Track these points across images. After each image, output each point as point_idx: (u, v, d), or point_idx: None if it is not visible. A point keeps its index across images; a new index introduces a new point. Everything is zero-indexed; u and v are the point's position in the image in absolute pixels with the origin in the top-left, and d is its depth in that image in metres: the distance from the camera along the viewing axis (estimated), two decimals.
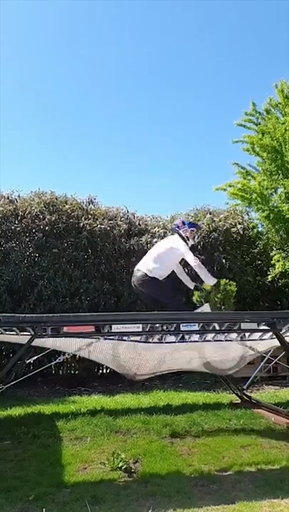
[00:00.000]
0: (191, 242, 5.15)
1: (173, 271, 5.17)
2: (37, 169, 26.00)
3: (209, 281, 5.11)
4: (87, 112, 24.17)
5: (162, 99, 23.79)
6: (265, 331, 4.75)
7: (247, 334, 4.63)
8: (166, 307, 5.00)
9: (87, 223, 8.23)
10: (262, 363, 6.30)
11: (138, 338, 4.35)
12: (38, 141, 24.75)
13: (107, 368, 8.64)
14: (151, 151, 25.14)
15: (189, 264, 5.01)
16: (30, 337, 4.10)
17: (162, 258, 4.96)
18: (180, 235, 5.08)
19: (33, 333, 4.06)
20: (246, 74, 22.57)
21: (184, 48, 21.26)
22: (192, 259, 4.91)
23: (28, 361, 4.84)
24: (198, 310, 5.02)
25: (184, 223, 5.15)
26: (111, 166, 26.33)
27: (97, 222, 8.31)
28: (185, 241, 5.06)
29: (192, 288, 5.38)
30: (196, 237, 5.20)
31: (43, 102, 22.67)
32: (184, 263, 5.29)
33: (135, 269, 5.08)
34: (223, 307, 7.13)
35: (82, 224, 8.23)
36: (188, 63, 22.51)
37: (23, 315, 5.49)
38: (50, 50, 21.31)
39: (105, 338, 4.17)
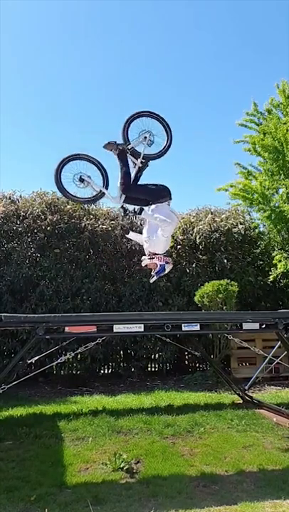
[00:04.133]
0: (145, 259, 4.42)
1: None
2: (38, 169, 26.03)
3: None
4: (88, 112, 24.21)
5: (162, 98, 23.80)
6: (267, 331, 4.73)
7: None
8: None
9: (88, 223, 8.24)
10: (264, 363, 6.29)
11: None
12: (38, 141, 24.79)
13: (108, 368, 8.67)
14: None
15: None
16: (31, 337, 4.11)
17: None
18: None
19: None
20: (247, 74, 22.58)
21: (184, 47, 21.28)
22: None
23: (29, 361, 4.84)
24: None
25: (166, 262, 4.37)
26: (112, 166, 26.30)
27: (99, 223, 8.32)
28: (150, 254, 4.37)
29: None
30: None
31: (44, 101, 22.72)
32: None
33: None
34: (224, 307, 7.15)
35: (83, 224, 8.23)
36: (188, 63, 22.51)
37: (25, 315, 5.51)
38: (50, 51, 21.34)
39: None
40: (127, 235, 4.80)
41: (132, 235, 4.77)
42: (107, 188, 4.32)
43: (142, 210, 4.17)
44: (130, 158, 4.27)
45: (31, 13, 19.88)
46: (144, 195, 4.27)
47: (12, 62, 21.37)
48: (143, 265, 4.48)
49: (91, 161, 4.34)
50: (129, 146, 4.22)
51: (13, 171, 25.46)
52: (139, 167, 4.27)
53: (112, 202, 4.33)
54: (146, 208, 4.19)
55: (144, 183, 4.34)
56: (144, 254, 4.44)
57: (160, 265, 4.30)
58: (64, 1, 19.37)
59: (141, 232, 4.77)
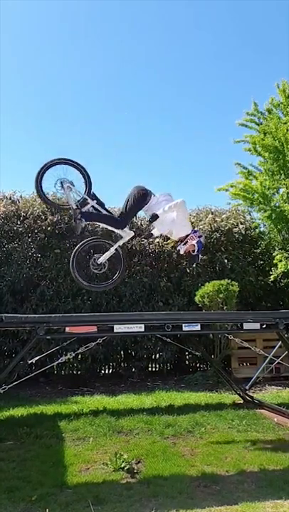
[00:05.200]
0: (181, 247, 4.54)
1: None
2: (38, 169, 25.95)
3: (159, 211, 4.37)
4: (88, 112, 24.21)
5: (162, 98, 23.82)
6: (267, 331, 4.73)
7: None
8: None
9: (89, 224, 8.23)
10: (264, 363, 6.29)
11: None
12: (38, 141, 24.79)
13: (109, 368, 8.67)
14: (152, 151, 25.16)
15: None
16: (32, 338, 4.11)
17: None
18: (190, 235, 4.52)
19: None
20: (247, 74, 22.59)
21: (184, 47, 21.28)
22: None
23: (30, 361, 4.84)
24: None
25: (199, 237, 4.53)
26: (112, 166, 26.33)
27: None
28: (181, 240, 4.51)
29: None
30: (182, 250, 4.69)
31: (44, 101, 22.73)
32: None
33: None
34: (225, 307, 7.14)
35: (84, 224, 8.21)
36: (188, 63, 22.52)
37: (26, 315, 5.51)
38: (50, 51, 21.35)
39: None
40: (152, 234, 4.77)
41: (156, 232, 4.66)
42: (116, 242, 4.54)
43: (156, 216, 4.28)
44: (88, 208, 4.37)
45: (31, 13, 19.90)
46: (134, 212, 4.46)
47: (12, 62, 21.39)
48: (182, 253, 4.60)
49: (98, 243, 4.53)
50: (74, 206, 4.29)
51: (13, 171, 25.47)
52: (97, 204, 4.39)
53: (127, 237, 4.52)
54: (158, 212, 4.29)
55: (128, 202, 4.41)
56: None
57: (196, 243, 4.46)
58: (64, 1, 19.40)
59: (139, 234, 4.83)
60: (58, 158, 4.30)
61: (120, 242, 4.53)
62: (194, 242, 4.46)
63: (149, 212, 4.36)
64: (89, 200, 4.32)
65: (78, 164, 4.34)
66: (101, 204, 4.41)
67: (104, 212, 4.40)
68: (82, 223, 4.30)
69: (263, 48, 21.49)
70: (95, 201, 4.36)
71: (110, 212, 4.51)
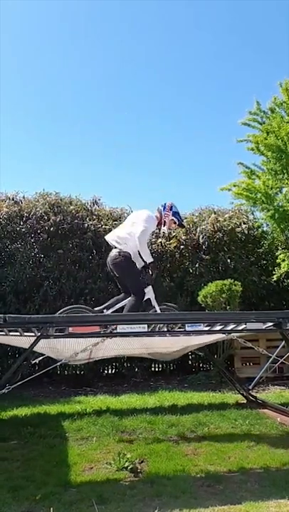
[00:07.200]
0: (164, 229, 5.04)
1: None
2: (38, 169, 26.02)
3: (147, 258, 4.79)
4: (88, 112, 24.21)
5: (162, 98, 23.78)
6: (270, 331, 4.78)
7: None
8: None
9: (91, 224, 8.26)
10: (268, 363, 6.28)
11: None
12: (38, 141, 24.82)
13: (112, 368, 8.68)
14: (154, 151, 25.13)
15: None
16: (35, 338, 4.12)
17: (129, 235, 4.82)
18: (158, 216, 4.94)
19: (38, 333, 4.09)
20: (247, 74, 22.52)
21: (184, 47, 21.25)
22: (138, 231, 4.69)
23: (33, 362, 4.86)
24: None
25: (171, 208, 4.93)
26: (114, 167, 26.33)
27: (102, 223, 8.34)
28: (159, 223, 4.94)
29: (143, 264, 4.91)
30: (173, 231, 5.21)
31: (44, 101, 22.75)
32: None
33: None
34: (228, 307, 7.13)
35: (86, 225, 8.25)
36: (188, 63, 22.49)
37: (29, 315, 5.53)
38: (50, 51, 21.37)
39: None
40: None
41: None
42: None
43: (152, 263, 4.85)
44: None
45: (31, 13, 19.91)
46: (135, 275, 4.88)
47: (12, 62, 21.39)
48: (167, 233, 5.63)
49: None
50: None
51: (13, 171, 25.44)
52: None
53: (152, 293, 4.97)
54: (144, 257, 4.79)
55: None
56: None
57: (172, 215, 4.92)
58: (64, 1, 19.40)
59: None
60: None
61: (154, 303, 4.97)
62: (170, 216, 4.90)
63: (137, 260, 4.77)
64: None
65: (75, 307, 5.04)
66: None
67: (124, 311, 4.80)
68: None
69: (263, 48, 21.41)
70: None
71: (115, 306, 4.96)
